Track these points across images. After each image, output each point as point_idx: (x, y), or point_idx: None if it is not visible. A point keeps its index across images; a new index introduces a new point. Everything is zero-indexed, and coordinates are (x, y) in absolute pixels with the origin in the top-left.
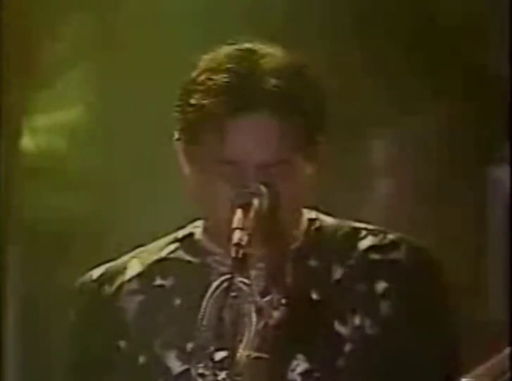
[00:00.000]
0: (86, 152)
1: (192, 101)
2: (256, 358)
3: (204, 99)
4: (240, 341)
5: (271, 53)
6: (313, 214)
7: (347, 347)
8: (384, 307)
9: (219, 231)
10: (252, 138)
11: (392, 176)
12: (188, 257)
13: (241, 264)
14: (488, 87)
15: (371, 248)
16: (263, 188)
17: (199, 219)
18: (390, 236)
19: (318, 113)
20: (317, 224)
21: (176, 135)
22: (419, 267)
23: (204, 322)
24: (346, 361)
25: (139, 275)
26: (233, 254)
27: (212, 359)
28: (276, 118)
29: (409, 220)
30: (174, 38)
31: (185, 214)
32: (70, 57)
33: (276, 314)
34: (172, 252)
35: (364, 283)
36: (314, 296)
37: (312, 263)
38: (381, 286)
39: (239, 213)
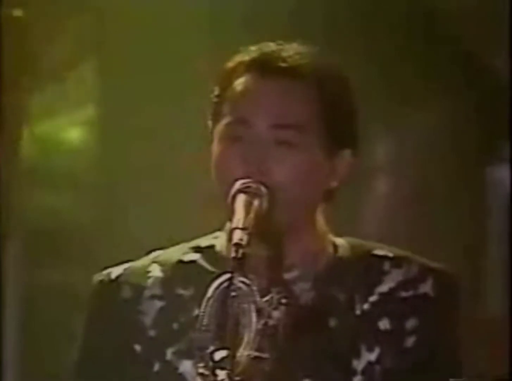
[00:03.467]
0: (85, 153)
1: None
2: (256, 357)
3: (232, 65)
4: (241, 341)
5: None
6: (338, 241)
7: (356, 380)
8: (409, 342)
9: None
10: (266, 98)
11: (391, 176)
12: (209, 267)
13: (241, 264)
14: (488, 87)
15: (398, 285)
16: (263, 189)
17: (219, 230)
18: (415, 268)
19: (342, 117)
20: (340, 252)
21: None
22: (447, 301)
23: (204, 322)
24: None
25: (160, 281)
26: (233, 254)
27: (212, 359)
28: (293, 86)
29: (408, 220)
30: (175, 41)
31: (182, 217)
32: (71, 59)
33: (275, 313)
34: (194, 261)
35: (390, 320)
36: (332, 323)
37: (333, 291)
38: (411, 323)
39: (239, 213)
